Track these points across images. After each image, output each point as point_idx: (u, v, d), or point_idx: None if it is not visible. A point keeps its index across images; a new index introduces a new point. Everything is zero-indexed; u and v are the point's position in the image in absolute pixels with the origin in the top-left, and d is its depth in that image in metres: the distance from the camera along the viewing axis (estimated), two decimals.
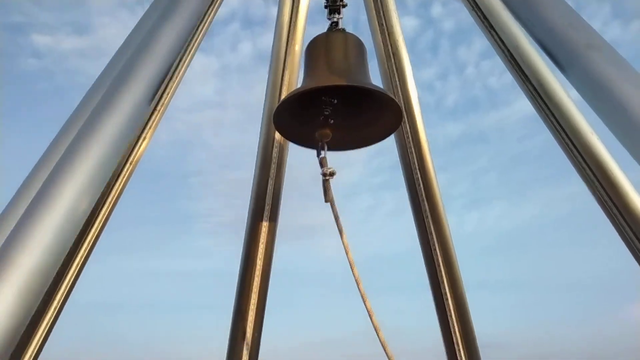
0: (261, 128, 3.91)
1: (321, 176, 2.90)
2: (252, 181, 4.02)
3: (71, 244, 1.58)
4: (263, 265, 3.99)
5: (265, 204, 3.98)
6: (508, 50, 2.79)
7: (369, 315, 2.74)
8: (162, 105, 2.27)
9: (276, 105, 3.62)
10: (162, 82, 2.06)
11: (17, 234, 1.47)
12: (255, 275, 3.93)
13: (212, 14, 2.53)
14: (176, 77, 2.32)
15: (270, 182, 3.96)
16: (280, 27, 3.77)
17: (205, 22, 2.47)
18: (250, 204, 4.00)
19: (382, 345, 2.77)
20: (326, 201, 2.89)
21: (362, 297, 2.76)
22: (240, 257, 4.03)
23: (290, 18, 3.77)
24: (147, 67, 1.99)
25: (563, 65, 1.66)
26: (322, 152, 2.91)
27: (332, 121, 2.95)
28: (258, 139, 3.95)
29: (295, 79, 3.87)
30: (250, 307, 3.94)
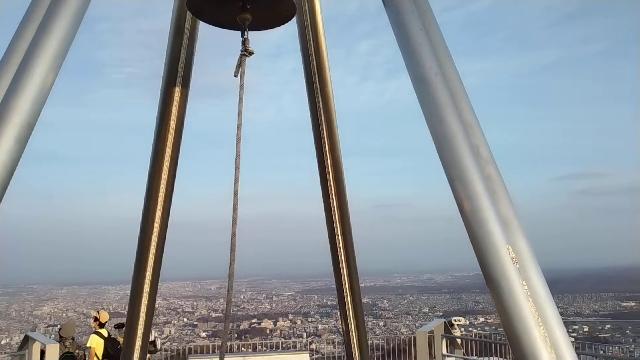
0: (174, 2, 4.26)
1: (240, 52, 3.53)
2: (165, 50, 4.46)
3: None
4: (176, 125, 4.60)
5: (178, 71, 4.48)
6: None
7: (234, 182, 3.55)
8: None
9: None
10: None
11: None
12: (169, 133, 4.56)
13: None
14: None
15: (183, 51, 4.43)
16: None
17: None
18: (164, 71, 4.48)
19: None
20: (235, 75, 3.57)
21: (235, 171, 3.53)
22: (155, 117, 4.60)
23: None
24: None
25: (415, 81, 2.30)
26: (246, 34, 3.53)
27: (249, 6, 3.49)
28: (171, 11, 4.32)
29: None
30: (165, 160, 4.62)
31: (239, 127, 3.56)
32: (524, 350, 1.79)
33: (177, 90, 4.51)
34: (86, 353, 12.29)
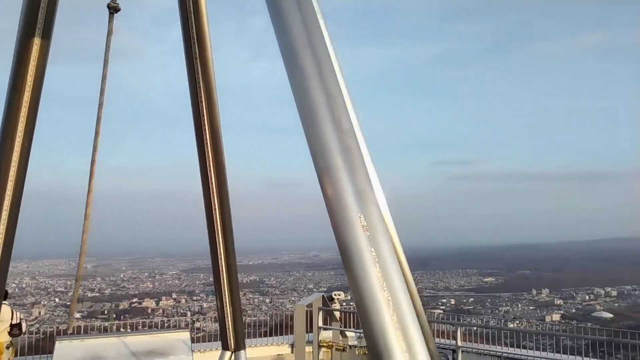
0: None
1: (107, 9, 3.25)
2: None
3: None
4: (34, 84, 4.14)
5: (37, 23, 4.02)
6: None
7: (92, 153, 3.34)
8: None
9: None
10: None
11: None
12: (25, 91, 4.09)
13: None
14: None
15: (43, 2, 3.98)
16: None
17: None
18: (20, 20, 3.99)
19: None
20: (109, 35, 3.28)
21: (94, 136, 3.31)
22: (9, 75, 4.09)
23: None
24: None
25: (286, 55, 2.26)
26: None
27: None
28: None
29: None
30: (19, 121, 4.15)
31: (102, 92, 3.29)
32: (369, 313, 1.89)
33: (36, 43, 4.06)
34: None
